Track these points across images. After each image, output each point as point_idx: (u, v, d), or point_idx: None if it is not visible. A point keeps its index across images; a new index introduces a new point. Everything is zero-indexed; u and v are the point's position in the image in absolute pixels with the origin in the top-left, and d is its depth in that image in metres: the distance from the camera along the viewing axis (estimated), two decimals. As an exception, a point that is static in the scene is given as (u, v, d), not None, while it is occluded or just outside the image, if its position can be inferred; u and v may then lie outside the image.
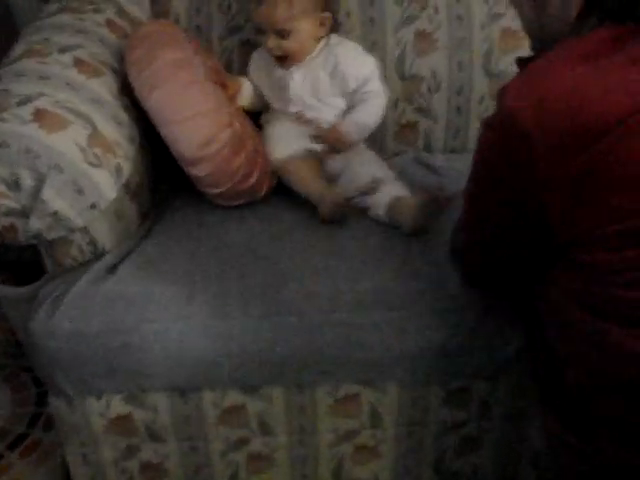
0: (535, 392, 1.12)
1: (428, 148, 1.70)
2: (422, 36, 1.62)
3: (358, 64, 1.52)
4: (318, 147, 1.50)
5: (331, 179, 1.49)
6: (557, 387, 1.00)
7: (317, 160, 1.50)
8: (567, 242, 0.91)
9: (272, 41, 1.46)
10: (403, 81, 1.64)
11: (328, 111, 1.54)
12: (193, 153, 1.35)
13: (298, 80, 1.52)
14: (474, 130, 1.68)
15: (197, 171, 1.37)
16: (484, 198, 1.03)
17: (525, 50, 1.56)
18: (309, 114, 1.53)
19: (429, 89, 1.64)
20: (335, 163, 1.51)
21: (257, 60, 1.58)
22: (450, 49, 1.62)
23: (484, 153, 0.99)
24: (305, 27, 1.46)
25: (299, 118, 1.53)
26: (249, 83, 1.57)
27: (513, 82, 0.93)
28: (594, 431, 0.93)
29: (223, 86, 1.48)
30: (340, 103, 1.54)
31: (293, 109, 1.53)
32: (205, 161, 1.35)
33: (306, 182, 1.44)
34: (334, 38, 1.53)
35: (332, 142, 1.50)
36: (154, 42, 1.38)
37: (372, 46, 1.61)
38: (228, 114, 1.39)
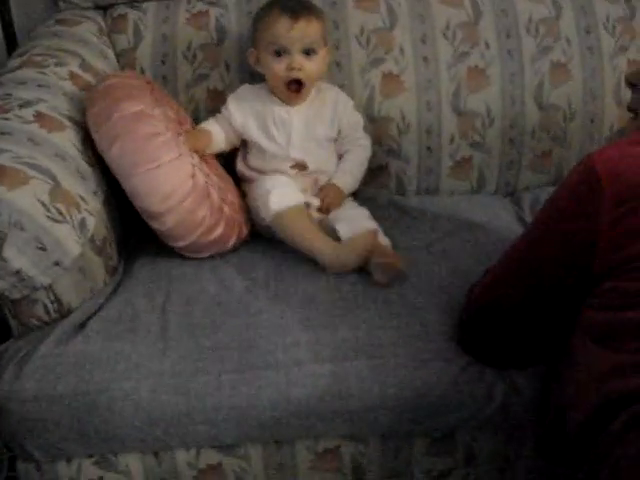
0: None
1: (400, 190, 1.68)
2: (389, 78, 1.61)
3: (352, 109, 1.57)
4: (316, 200, 1.48)
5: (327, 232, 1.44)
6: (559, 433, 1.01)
7: (309, 213, 1.46)
8: (601, 272, 0.96)
9: (298, 59, 1.44)
10: (372, 123, 1.63)
11: (326, 158, 1.54)
12: (154, 206, 1.32)
13: (301, 120, 1.51)
14: (446, 170, 1.67)
15: (159, 224, 1.35)
16: (541, 239, 1.06)
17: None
18: (310, 164, 1.51)
19: (399, 130, 1.63)
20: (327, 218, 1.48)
21: (247, 95, 1.55)
22: (418, 90, 1.62)
23: (557, 196, 1.05)
24: (322, 54, 1.49)
25: (300, 169, 1.51)
26: (218, 127, 1.53)
27: (603, 147, 1.07)
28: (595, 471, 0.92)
29: (188, 137, 1.45)
30: (333, 148, 1.55)
31: (294, 154, 1.50)
32: (167, 214, 1.33)
33: (310, 234, 1.39)
34: (323, 83, 1.56)
35: (333, 199, 1.48)
36: (112, 96, 1.36)
37: (340, 88, 1.60)
38: (190, 165, 1.37)
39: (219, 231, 1.38)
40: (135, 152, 1.30)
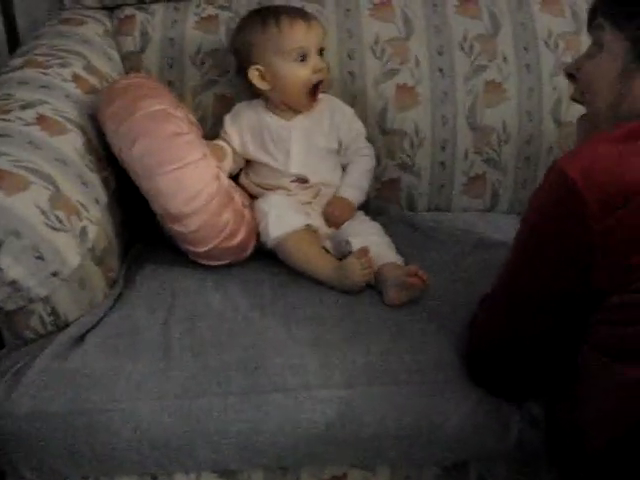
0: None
1: (411, 206, 1.63)
2: (404, 90, 1.56)
3: (352, 118, 1.52)
4: (318, 222, 1.42)
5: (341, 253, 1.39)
6: (579, 458, 0.96)
7: (316, 234, 1.40)
8: (604, 287, 0.91)
9: (318, 60, 1.42)
10: (385, 135, 1.58)
11: (328, 170, 1.48)
12: (179, 207, 1.26)
13: (299, 134, 1.46)
14: (459, 186, 1.61)
15: (182, 227, 1.28)
16: (529, 266, 1.00)
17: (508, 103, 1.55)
18: (311, 177, 1.46)
19: (412, 144, 1.58)
20: (339, 231, 1.43)
21: (243, 113, 1.49)
22: (433, 103, 1.56)
23: (534, 216, 0.99)
24: None
25: (301, 182, 1.45)
26: (228, 148, 1.48)
27: (567, 153, 1.00)
28: None
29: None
30: (335, 159, 1.50)
31: (294, 169, 1.45)
32: (192, 216, 1.27)
33: (312, 259, 1.34)
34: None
35: (342, 212, 1.43)
36: (133, 94, 1.31)
37: (352, 99, 1.55)
38: (215, 166, 1.33)
39: (240, 236, 1.33)
40: (160, 151, 1.25)
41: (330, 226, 1.44)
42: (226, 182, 1.34)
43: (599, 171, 0.89)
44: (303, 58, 1.41)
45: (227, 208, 1.30)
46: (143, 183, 1.27)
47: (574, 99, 1.11)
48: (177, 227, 1.29)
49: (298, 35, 1.40)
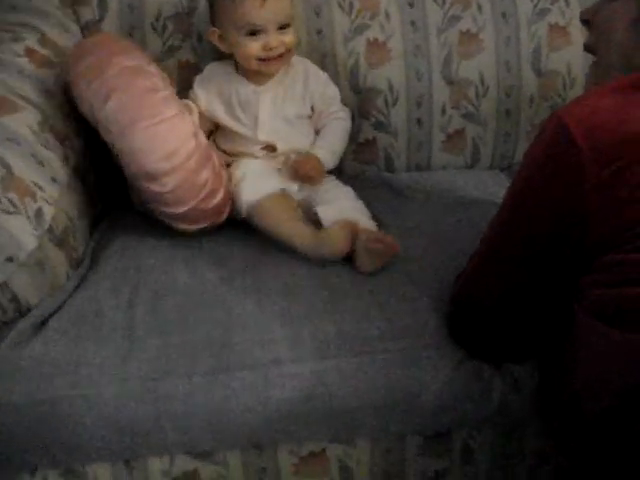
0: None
1: (389, 166, 1.57)
2: (375, 45, 1.50)
3: (326, 82, 1.45)
4: (294, 186, 1.38)
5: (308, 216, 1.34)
6: (574, 425, 0.92)
7: (293, 200, 1.36)
8: (597, 245, 0.86)
9: (275, 38, 1.33)
10: (358, 94, 1.51)
11: (298, 137, 1.42)
12: (156, 165, 1.21)
13: (268, 100, 1.40)
14: (438, 143, 1.56)
15: (159, 186, 1.23)
16: (518, 220, 0.94)
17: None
18: (280, 145, 1.40)
19: (386, 102, 1.52)
20: (309, 198, 1.38)
21: (213, 75, 1.44)
22: (406, 58, 1.50)
23: (527, 167, 0.94)
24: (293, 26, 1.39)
25: (270, 150, 1.40)
26: (195, 107, 1.42)
27: (568, 103, 0.95)
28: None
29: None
30: (307, 125, 1.44)
31: (262, 136, 1.40)
32: (170, 174, 1.22)
33: (287, 223, 1.29)
34: (293, 57, 1.43)
35: (311, 170, 1.37)
36: (106, 50, 1.26)
37: (322, 58, 1.50)
38: (192, 123, 1.27)
39: (219, 197, 1.28)
40: (135, 107, 1.20)
41: (296, 180, 1.37)
42: (204, 140, 1.29)
43: (598, 121, 0.84)
44: (253, 33, 1.33)
45: (206, 167, 1.25)
46: (117, 141, 1.22)
47: (587, 48, 1.04)
48: (154, 187, 1.23)
49: (250, 11, 1.31)
